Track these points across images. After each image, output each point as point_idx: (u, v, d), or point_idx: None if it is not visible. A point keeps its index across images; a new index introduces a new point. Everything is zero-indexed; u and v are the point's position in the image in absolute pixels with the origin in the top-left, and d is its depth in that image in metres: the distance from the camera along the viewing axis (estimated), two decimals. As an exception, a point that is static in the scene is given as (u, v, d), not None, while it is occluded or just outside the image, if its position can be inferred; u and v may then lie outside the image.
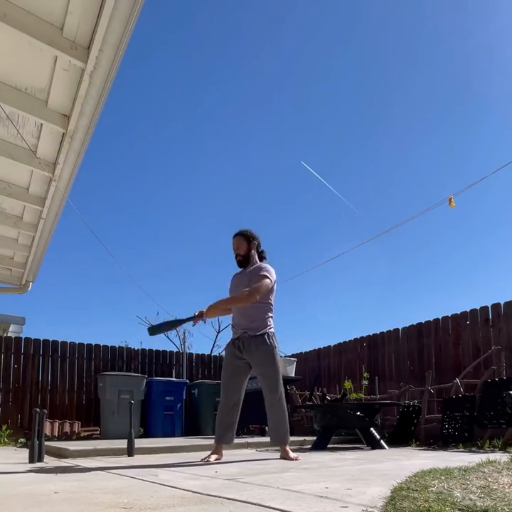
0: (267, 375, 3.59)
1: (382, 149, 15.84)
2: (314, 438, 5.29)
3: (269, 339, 3.63)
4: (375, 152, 15.61)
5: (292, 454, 3.60)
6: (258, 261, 3.84)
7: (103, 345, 8.40)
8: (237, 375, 3.70)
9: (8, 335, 9.99)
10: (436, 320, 6.55)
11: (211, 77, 14.85)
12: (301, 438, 5.71)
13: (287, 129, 15.39)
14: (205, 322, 3.74)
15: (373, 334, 7.55)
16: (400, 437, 5.38)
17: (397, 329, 7.14)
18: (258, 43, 14.28)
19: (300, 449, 4.93)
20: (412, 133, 15.29)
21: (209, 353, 10.48)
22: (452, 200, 5.31)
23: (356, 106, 15.45)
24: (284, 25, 13.22)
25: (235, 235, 3.85)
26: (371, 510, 1.47)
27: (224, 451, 3.72)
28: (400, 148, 15.40)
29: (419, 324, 6.78)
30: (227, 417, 3.66)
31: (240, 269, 3.88)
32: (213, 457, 3.57)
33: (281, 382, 3.64)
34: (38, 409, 3.72)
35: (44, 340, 7.82)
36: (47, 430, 6.57)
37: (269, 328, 3.69)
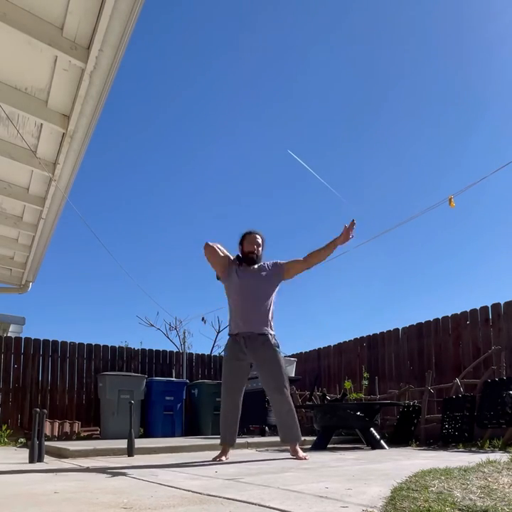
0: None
1: (382, 149, 15.84)
2: (314, 438, 5.29)
3: (273, 339, 3.67)
4: (375, 151, 15.61)
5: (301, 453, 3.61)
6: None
7: (103, 345, 8.40)
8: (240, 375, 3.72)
9: (8, 335, 9.99)
10: (436, 320, 6.55)
11: (202, 67, 14.81)
12: (301, 438, 5.70)
13: (286, 127, 15.40)
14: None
15: (373, 334, 7.55)
16: (400, 437, 5.38)
17: (397, 329, 7.14)
18: (249, 35, 14.28)
19: (301, 448, 4.92)
20: (412, 132, 15.30)
21: (209, 353, 10.47)
22: (452, 200, 5.30)
23: (353, 105, 15.46)
24: (279, 19, 13.22)
25: (256, 234, 3.84)
26: (371, 510, 1.47)
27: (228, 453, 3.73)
28: (400, 148, 15.40)
29: (419, 324, 6.78)
30: (232, 418, 3.68)
31: (241, 266, 3.80)
32: (224, 457, 3.59)
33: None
34: (38, 409, 3.72)
35: (44, 340, 7.82)
36: (47, 430, 6.57)
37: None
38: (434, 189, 13.84)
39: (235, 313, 3.77)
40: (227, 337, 3.81)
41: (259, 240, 3.84)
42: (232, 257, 3.85)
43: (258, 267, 3.81)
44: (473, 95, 14.23)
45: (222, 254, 3.81)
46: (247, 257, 3.79)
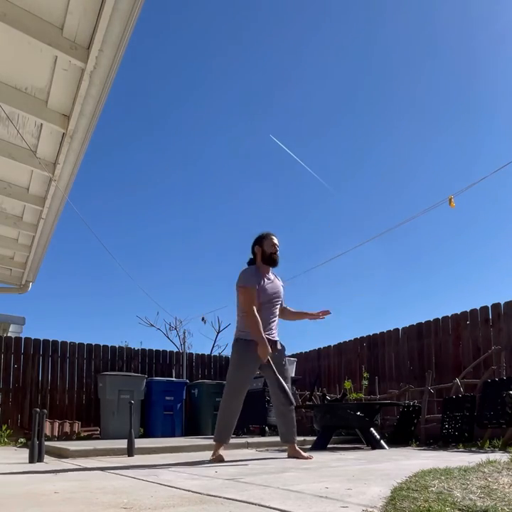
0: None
1: (385, 149, 15.84)
2: (314, 438, 5.29)
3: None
4: (378, 152, 15.61)
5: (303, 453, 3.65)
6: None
7: (103, 345, 8.40)
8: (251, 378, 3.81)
9: (8, 335, 9.99)
10: (437, 320, 6.55)
11: (203, 67, 14.84)
12: (301, 438, 5.70)
13: (292, 132, 15.40)
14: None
15: (373, 334, 7.54)
16: (400, 437, 5.38)
17: (397, 329, 7.13)
18: (250, 33, 14.30)
19: (300, 448, 4.92)
20: (416, 133, 15.29)
21: (209, 353, 10.48)
22: (452, 200, 5.30)
23: (359, 105, 15.45)
24: (283, 25, 13.23)
25: (273, 234, 3.90)
26: (371, 510, 1.47)
27: (224, 452, 3.73)
28: (404, 149, 15.40)
29: (419, 324, 6.78)
30: (235, 419, 3.71)
31: (255, 270, 3.82)
32: (221, 452, 3.59)
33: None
34: (38, 410, 3.72)
35: (44, 340, 7.82)
36: (47, 430, 6.56)
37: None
38: (441, 191, 13.86)
39: (261, 317, 3.73)
40: (244, 339, 3.68)
41: (278, 241, 3.92)
42: (255, 268, 3.83)
43: (273, 272, 3.93)
44: (481, 96, 14.21)
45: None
46: (271, 258, 3.83)
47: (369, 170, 16.58)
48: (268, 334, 3.67)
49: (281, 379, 3.57)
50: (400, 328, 7.10)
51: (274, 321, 3.81)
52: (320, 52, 14.11)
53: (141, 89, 15.17)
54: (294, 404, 3.69)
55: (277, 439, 5.24)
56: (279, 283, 3.92)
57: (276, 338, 3.78)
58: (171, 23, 13.07)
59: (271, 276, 3.88)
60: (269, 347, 3.56)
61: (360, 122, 15.68)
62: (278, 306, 3.86)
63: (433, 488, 1.72)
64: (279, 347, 3.79)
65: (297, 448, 3.67)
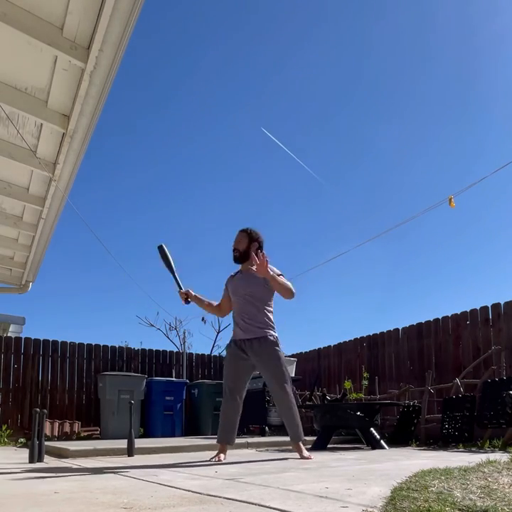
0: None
1: (384, 148, 15.83)
2: (314, 438, 5.29)
3: (272, 338, 3.67)
4: (377, 151, 15.61)
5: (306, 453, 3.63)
6: None
7: (103, 345, 8.40)
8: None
9: (8, 335, 9.99)
10: (437, 320, 6.55)
11: (202, 65, 14.83)
12: (303, 437, 5.69)
13: (290, 126, 15.38)
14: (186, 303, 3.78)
15: (373, 334, 7.54)
16: (400, 437, 5.38)
17: (397, 329, 7.13)
18: (249, 29, 14.31)
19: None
20: (416, 133, 15.28)
21: (209, 353, 10.47)
22: (452, 200, 5.30)
23: (357, 102, 15.44)
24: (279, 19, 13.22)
25: (240, 231, 3.84)
26: (371, 510, 1.47)
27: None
28: (403, 148, 15.39)
29: (419, 324, 6.78)
30: (233, 418, 3.68)
31: (237, 270, 3.89)
32: (222, 456, 3.57)
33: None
34: (38, 410, 3.72)
35: (44, 340, 7.82)
36: (47, 430, 6.56)
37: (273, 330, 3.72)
38: (443, 192, 13.84)
39: (234, 317, 3.81)
40: (230, 338, 3.82)
41: (240, 237, 3.79)
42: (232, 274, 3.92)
43: (251, 267, 3.74)
44: (481, 94, 14.19)
45: (215, 303, 3.93)
46: (233, 257, 3.83)
47: (368, 169, 16.59)
48: (247, 332, 3.66)
49: (273, 378, 3.58)
50: (400, 328, 7.10)
51: (251, 317, 3.67)
52: (318, 47, 14.08)
53: (136, 84, 15.14)
54: (292, 401, 3.62)
55: (277, 439, 5.25)
56: (254, 278, 3.69)
57: (257, 335, 3.61)
58: (171, 16, 13.07)
59: (247, 273, 3.77)
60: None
61: (359, 119, 15.68)
62: (254, 303, 3.69)
63: (433, 488, 1.72)
64: (262, 342, 3.61)
65: (301, 445, 3.64)
